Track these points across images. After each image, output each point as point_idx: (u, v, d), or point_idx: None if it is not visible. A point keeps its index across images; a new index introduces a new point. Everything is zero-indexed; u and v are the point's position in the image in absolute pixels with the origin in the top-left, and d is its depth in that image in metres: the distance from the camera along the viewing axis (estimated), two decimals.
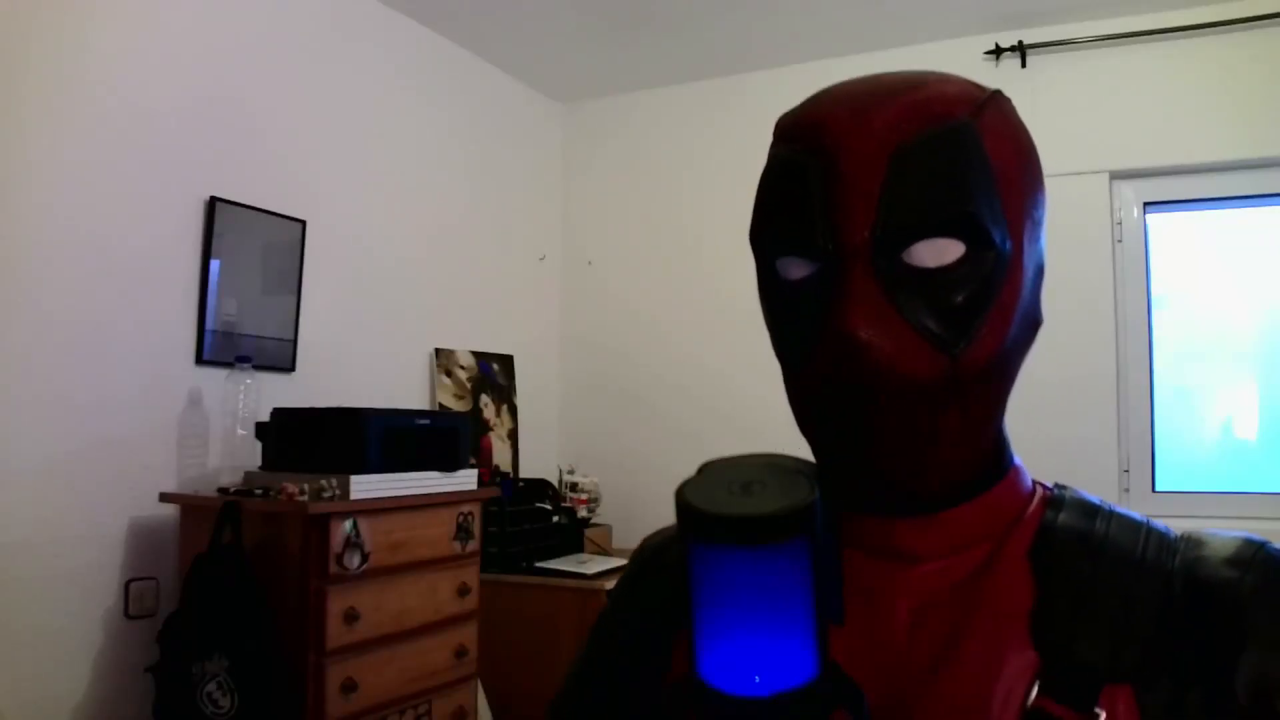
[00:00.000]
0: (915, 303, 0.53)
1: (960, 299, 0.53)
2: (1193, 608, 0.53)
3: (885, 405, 0.53)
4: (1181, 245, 3.05)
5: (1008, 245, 0.55)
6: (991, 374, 0.56)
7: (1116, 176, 3.04)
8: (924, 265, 0.53)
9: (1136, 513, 0.60)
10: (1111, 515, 0.59)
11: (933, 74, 0.57)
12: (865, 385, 0.53)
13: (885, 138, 0.54)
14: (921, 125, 0.54)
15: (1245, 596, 0.52)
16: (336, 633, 1.95)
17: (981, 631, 0.55)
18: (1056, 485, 0.63)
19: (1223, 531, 0.58)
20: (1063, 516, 0.59)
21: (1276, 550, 0.55)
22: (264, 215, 2.51)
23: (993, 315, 0.55)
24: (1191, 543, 0.57)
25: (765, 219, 0.59)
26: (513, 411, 3.46)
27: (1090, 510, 0.59)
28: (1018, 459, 0.62)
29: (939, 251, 0.53)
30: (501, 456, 3.33)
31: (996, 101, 0.58)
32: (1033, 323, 0.60)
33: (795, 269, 0.57)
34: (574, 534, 3.21)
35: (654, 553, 0.72)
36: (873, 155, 0.53)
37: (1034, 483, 0.63)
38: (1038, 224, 0.59)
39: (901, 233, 0.53)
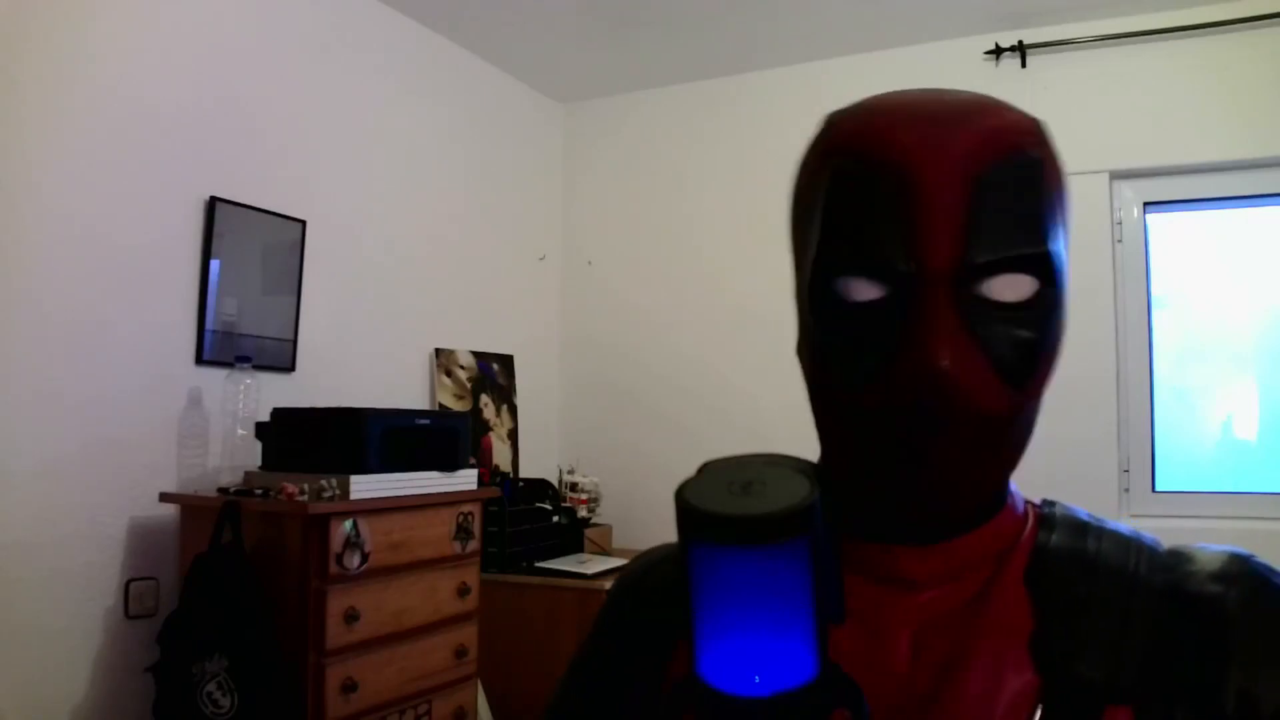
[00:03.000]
0: (993, 335, 0.53)
1: (1030, 335, 0.53)
2: (1181, 623, 0.54)
3: (952, 435, 0.53)
4: (1181, 245, 3.05)
5: (1064, 283, 0.55)
6: (1035, 410, 0.57)
7: (1116, 176, 3.04)
8: (1000, 299, 0.53)
9: (1125, 526, 0.61)
10: (1102, 532, 0.59)
11: (989, 99, 0.57)
12: (938, 415, 0.52)
13: (964, 163, 0.52)
14: (997, 155, 0.53)
15: (1231, 611, 0.53)
16: (336, 633, 1.95)
17: (982, 655, 0.55)
18: (1045, 501, 0.63)
19: (1210, 546, 0.58)
20: (1055, 537, 0.59)
21: (1262, 564, 0.56)
22: (264, 215, 2.51)
23: (1052, 352, 0.55)
24: (1180, 557, 0.58)
25: (829, 235, 0.56)
26: (513, 411, 3.46)
27: (1081, 528, 0.60)
28: (1012, 483, 0.63)
29: (1016, 286, 0.53)
30: (501, 456, 3.33)
31: (1048, 133, 0.57)
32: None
33: (862, 290, 0.54)
34: (574, 534, 3.21)
35: (642, 573, 0.72)
36: (953, 180, 0.52)
37: (1025, 502, 0.63)
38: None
39: (984, 265, 0.52)
